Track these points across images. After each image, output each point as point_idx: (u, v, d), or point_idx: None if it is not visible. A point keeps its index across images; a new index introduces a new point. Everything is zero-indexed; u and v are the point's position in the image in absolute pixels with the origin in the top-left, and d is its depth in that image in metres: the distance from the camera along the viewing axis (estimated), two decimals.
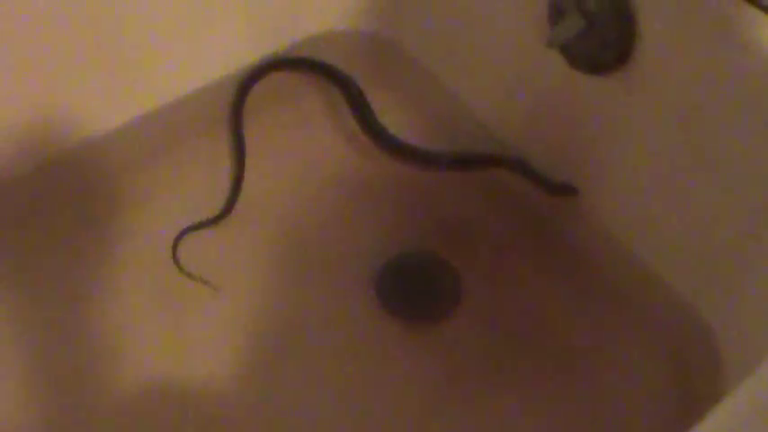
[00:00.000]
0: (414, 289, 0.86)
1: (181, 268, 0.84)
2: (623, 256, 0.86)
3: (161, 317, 0.82)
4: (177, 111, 0.95)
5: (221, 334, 0.82)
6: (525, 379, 0.80)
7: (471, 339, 0.82)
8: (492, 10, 0.90)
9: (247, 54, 0.98)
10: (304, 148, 0.95)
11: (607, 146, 0.85)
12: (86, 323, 0.81)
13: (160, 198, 0.90)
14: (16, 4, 0.80)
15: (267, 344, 0.81)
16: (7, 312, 0.81)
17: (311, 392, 0.79)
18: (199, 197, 0.90)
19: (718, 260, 0.78)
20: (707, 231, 0.79)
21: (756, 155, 0.72)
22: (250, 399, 0.78)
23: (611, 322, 0.84)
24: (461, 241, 0.89)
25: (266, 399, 0.78)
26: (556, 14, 0.81)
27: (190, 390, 0.78)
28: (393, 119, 0.95)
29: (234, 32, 0.97)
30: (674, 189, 0.81)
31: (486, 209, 0.91)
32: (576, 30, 0.79)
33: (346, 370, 0.80)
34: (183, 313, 0.82)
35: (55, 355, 0.79)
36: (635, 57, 0.78)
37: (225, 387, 0.79)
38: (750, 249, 0.76)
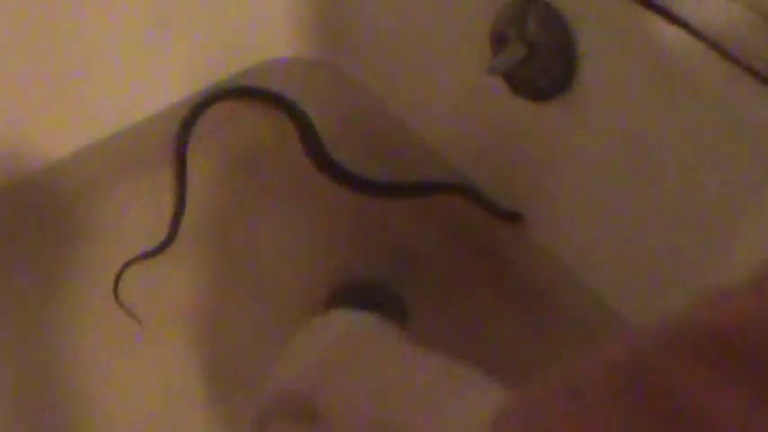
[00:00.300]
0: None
1: (120, 304, 0.83)
2: (572, 281, 0.87)
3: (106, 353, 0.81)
4: (124, 140, 0.95)
5: (162, 370, 0.81)
6: None
7: None
8: (437, 36, 0.91)
9: (194, 82, 0.98)
10: (250, 177, 0.95)
11: (551, 170, 0.86)
12: (31, 363, 0.80)
13: (106, 228, 0.89)
14: None
15: (213, 376, 0.81)
16: None
17: None
18: (143, 228, 0.89)
19: (664, 284, 0.79)
20: (650, 253, 0.80)
21: (694, 175, 0.73)
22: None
23: (562, 349, 0.83)
24: (410, 269, 0.89)
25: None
26: (498, 42, 0.82)
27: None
28: (339, 145, 0.95)
29: (181, 60, 0.96)
30: (616, 212, 0.82)
31: (435, 236, 0.91)
32: (517, 58, 0.79)
33: None
34: (129, 349, 0.82)
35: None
36: (576, 83, 0.79)
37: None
38: (697, 271, 0.77)
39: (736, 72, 0.68)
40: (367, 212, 0.93)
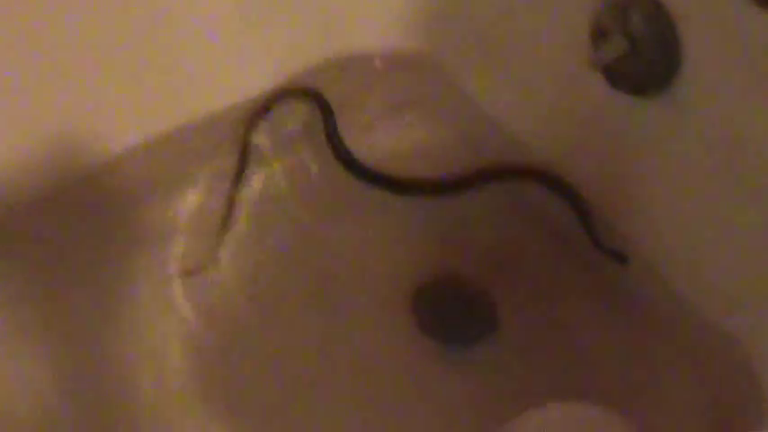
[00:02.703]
0: (449, 314, 0.84)
1: None
2: (669, 293, 0.82)
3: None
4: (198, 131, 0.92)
5: (257, 367, 0.80)
6: None
7: (507, 369, 0.80)
8: (534, 28, 0.88)
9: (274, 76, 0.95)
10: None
11: (649, 174, 0.82)
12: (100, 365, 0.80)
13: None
14: None
15: (301, 371, 0.80)
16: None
17: (347, 418, 0.77)
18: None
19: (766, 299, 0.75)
20: (754, 268, 0.76)
21: None
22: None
23: (656, 362, 0.80)
24: (499, 266, 0.86)
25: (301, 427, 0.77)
26: (598, 36, 0.79)
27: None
28: (424, 136, 0.93)
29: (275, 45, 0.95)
30: (717, 222, 0.78)
31: (526, 234, 0.89)
32: (619, 52, 0.76)
33: (381, 394, 0.79)
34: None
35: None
36: (678, 81, 0.75)
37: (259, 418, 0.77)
38: None
39: None
40: (453, 208, 0.90)
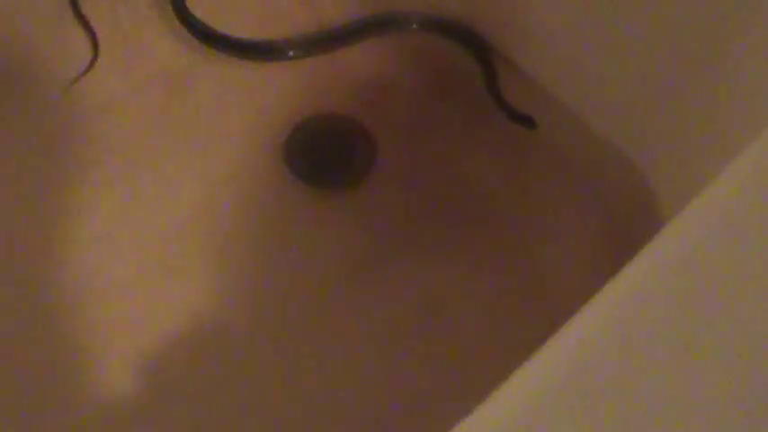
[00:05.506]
0: (326, 154, 0.79)
1: None
2: (549, 104, 0.79)
3: None
4: None
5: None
6: (452, 246, 0.75)
7: (391, 206, 0.77)
8: None
9: None
10: None
11: None
12: None
13: None
14: None
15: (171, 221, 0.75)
16: None
17: (226, 275, 0.73)
18: None
19: (648, 102, 0.72)
20: (634, 72, 0.72)
21: None
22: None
23: (541, 180, 0.77)
24: (377, 103, 0.81)
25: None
26: None
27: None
28: None
29: None
30: (600, 27, 0.73)
31: (403, 69, 0.83)
32: None
33: (264, 247, 0.75)
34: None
35: None
36: None
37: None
38: (681, 86, 0.69)
39: None
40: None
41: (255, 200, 0.77)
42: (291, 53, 0.82)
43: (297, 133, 0.79)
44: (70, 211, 0.75)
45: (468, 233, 0.75)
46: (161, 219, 0.76)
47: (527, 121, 0.78)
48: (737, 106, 0.62)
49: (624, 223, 0.75)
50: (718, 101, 0.65)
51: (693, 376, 0.39)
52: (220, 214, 0.76)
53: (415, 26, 0.83)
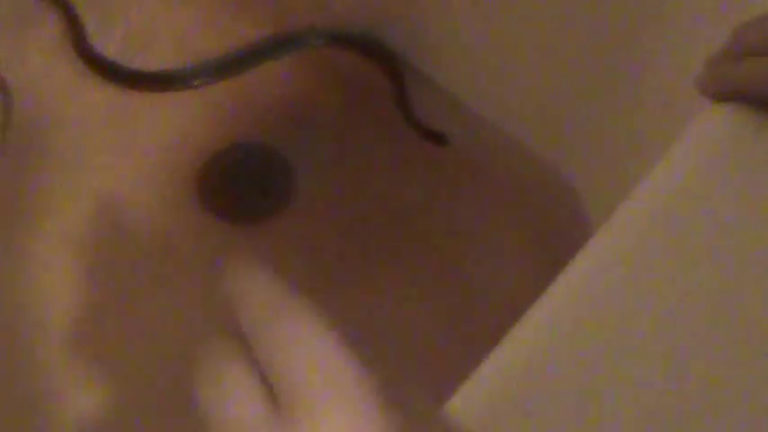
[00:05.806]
0: (242, 186, 0.75)
1: None
2: (465, 115, 0.77)
3: None
4: None
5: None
6: (379, 273, 0.72)
7: (310, 237, 0.73)
8: None
9: None
10: None
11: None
12: None
13: None
14: None
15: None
16: None
17: (139, 308, 0.70)
18: None
19: (565, 106, 0.71)
20: (548, 76, 0.71)
21: None
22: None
23: (464, 194, 0.75)
24: (290, 126, 0.78)
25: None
26: None
27: None
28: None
29: None
30: (509, 34, 0.71)
31: (315, 87, 0.80)
32: None
33: (179, 288, 0.71)
34: None
35: None
36: None
37: None
38: (597, 87, 0.68)
39: None
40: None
41: (169, 242, 0.73)
42: (196, 82, 0.79)
43: (209, 168, 0.75)
44: None
45: (395, 257, 0.73)
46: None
47: (438, 138, 0.76)
48: (659, 102, 0.61)
49: (554, 230, 0.73)
50: (637, 99, 0.64)
51: (632, 370, 0.38)
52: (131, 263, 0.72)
53: (322, 42, 0.81)
